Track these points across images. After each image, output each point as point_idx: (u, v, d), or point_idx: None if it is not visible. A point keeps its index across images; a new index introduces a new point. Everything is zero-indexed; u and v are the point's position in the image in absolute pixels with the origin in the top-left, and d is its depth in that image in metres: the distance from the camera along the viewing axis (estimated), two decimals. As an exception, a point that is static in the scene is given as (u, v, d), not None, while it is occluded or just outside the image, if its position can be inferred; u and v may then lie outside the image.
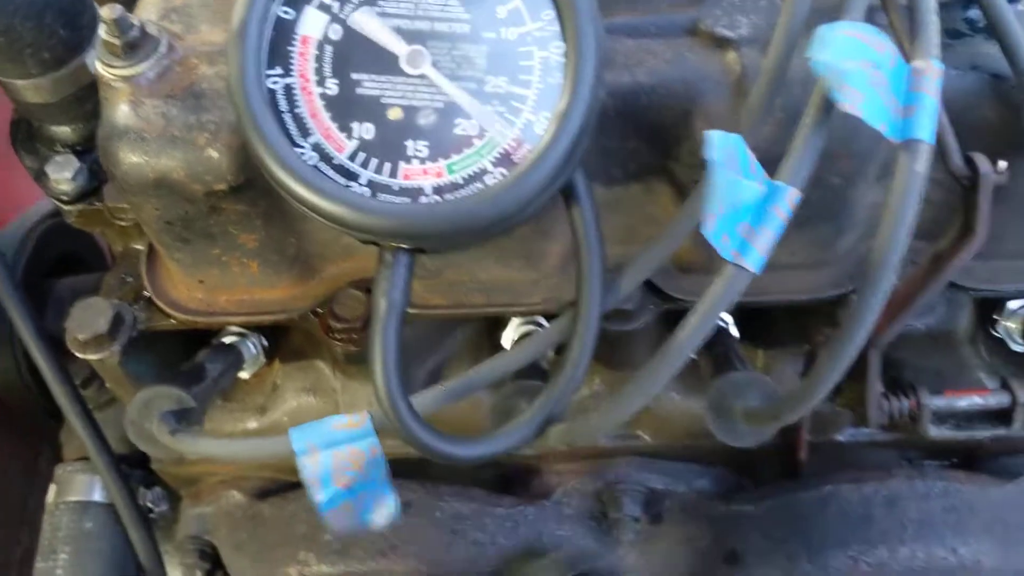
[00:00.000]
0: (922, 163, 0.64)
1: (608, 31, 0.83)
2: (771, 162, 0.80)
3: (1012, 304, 1.00)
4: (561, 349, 0.84)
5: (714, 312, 0.65)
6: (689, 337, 0.66)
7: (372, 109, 0.70)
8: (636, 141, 0.84)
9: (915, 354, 0.89)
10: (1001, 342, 1.04)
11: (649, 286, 0.93)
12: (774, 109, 0.79)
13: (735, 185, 0.62)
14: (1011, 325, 1.00)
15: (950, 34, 0.81)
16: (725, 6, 0.83)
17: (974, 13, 0.81)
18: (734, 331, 1.01)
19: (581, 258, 0.75)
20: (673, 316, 1.08)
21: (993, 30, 0.77)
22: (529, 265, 0.92)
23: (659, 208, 0.90)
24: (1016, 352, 1.03)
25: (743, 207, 0.62)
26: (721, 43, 0.81)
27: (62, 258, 1.39)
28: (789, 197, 0.63)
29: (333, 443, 0.72)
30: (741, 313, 0.99)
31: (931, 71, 0.66)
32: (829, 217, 0.86)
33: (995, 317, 1.01)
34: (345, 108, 0.70)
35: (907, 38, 0.75)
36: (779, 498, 1.02)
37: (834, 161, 0.79)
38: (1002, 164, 0.71)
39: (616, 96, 0.81)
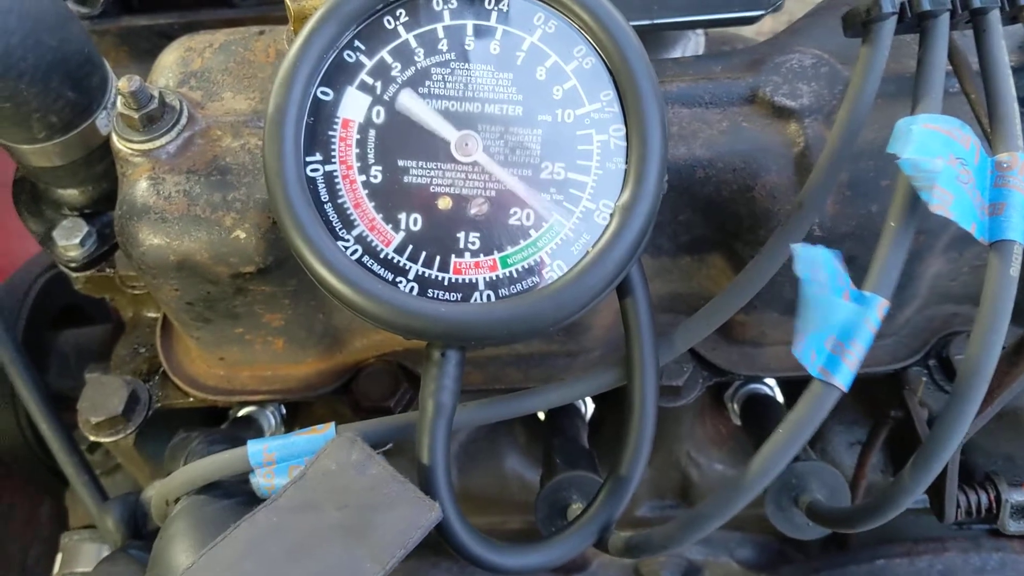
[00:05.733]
0: (1016, 266, 0.59)
1: (660, 99, 0.78)
2: (834, 241, 0.76)
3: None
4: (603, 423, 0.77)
5: (800, 437, 0.59)
6: (769, 465, 0.60)
7: (420, 199, 0.64)
8: (689, 213, 0.79)
9: (983, 436, 0.84)
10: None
11: (698, 359, 0.88)
12: (840, 186, 0.74)
13: (830, 304, 0.56)
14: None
15: (1026, 103, 0.76)
16: (784, 72, 0.77)
17: (1052, 79, 0.76)
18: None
19: (633, 353, 0.69)
20: (720, 389, 1.04)
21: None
22: (572, 339, 0.87)
23: (709, 280, 0.85)
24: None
25: (834, 324, 0.57)
26: (782, 113, 0.76)
27: (65, 308, 1.33)
28: (879, 307, 0.58)
29: (292, 455, 0.67)
30: (794, 386, 0.94)
31: (1017, 164, 0.61)
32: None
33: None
34: (391, 197, 0.64)
35: (983, 112, 0.70)
36: (828, 572, 0.98)
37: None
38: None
39: (670, 169, 0.76)
